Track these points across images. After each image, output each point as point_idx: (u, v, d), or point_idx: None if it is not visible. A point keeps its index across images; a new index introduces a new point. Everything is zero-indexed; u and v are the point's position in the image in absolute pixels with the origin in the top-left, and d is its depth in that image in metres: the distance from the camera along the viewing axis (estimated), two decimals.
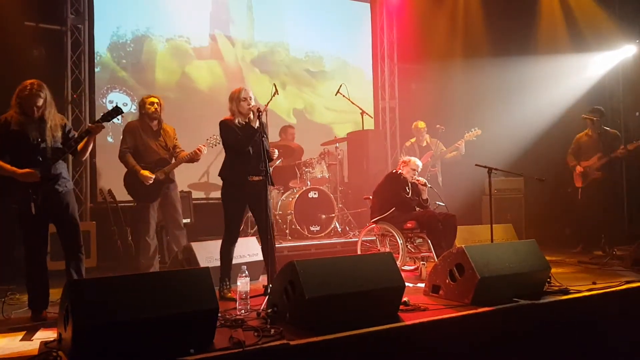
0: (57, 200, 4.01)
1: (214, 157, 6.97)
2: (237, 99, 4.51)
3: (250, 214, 5.12)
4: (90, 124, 4.08)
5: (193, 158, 5.40)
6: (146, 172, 5.29)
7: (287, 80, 8.40)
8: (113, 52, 7.23)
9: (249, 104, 4.47)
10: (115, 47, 7.24)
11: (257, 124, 4.45)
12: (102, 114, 4.10)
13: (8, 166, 3.86)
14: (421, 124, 7.53)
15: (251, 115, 4.48)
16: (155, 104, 5.41)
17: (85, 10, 6.94)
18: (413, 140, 7.61)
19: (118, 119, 7.10)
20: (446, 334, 3.42)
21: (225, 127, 4.52)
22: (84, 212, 6.72)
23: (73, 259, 4.06)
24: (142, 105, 5.46)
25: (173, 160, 5.49)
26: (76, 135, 4.14)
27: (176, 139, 5.59)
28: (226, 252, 4.56)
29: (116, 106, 4.10)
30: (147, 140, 5.40)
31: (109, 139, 7.06)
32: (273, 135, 7.14)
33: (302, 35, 8.64)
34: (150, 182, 5.29)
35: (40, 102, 3.92)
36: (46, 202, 3.94)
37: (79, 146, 4.07)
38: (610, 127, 8.52)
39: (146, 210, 5.40)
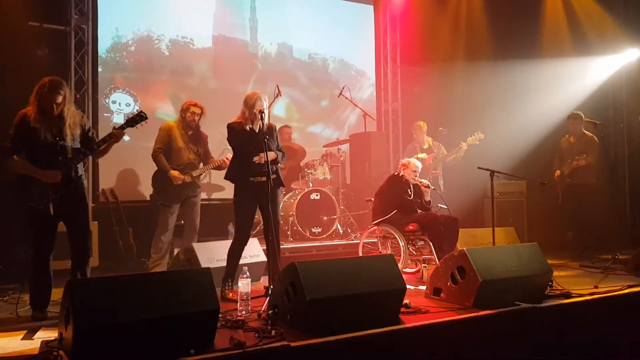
0: (74, 201, 4.03)
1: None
2: (251, 107, 4.49)
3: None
4: (114, 129, 4.09)
5: (221, 166, 5.52)
6: (176, 173, 5.41)
7: (290, 81, 8.40)
8: (116, 53, 7.24)
9: (257, 116, 4.47)
10: (118, 48, 7.24)
11: (259, 126, 4.46)
12: (126, 119, 4.14)
13: (31, 165, 3.88)
14: (422, 124, 7.52)
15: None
16: (197, 115, 5.52)
17: (89, 10, 6.95)
18: (415, 142, 7.60)
19: (121, 119, 7.15)
20: (447, 337, 3.41)
21: (231, 130, 4.57)
22: None
23: (80, 259, 4.08)
24: (183, 110, 5.57)
25: (201, 165, 5.59)
26: (98, 139, 4.13)
27: (207, 144, 5.72)
28: (234, 254, 4.57)
29: (140, 112, 4.16)
30: (180, 143, 5.50)
31: None
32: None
33: (306, 37, 8.64)
34: (179, 182, 5.40)
35: (60, 99, 3.91)
36: (63, 202, 3.95)
37: (100, 148, 4.10)
38: (613, 131, 8.53)
39: (169, 210, 5.50)
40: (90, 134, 4.17)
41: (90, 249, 4.17)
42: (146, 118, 4.20)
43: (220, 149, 6.87)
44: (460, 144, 7.08)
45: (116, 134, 4.07)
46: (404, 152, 8.12)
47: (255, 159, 4.44)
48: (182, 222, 5.79)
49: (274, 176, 4.44)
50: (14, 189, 3.94)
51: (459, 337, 3.44)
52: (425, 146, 7.45)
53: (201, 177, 5.80)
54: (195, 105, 5.57)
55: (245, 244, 4.62)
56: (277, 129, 7.45)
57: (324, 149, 7.70)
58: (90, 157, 6.40)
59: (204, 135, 5.72)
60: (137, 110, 4.18)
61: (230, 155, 5.33)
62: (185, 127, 5.56)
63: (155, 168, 5.58)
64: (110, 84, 7.17)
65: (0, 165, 3.94)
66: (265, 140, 4.40)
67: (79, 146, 4.05)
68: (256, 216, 5.49)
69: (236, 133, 4.53)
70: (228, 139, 4.62)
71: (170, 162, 5.48)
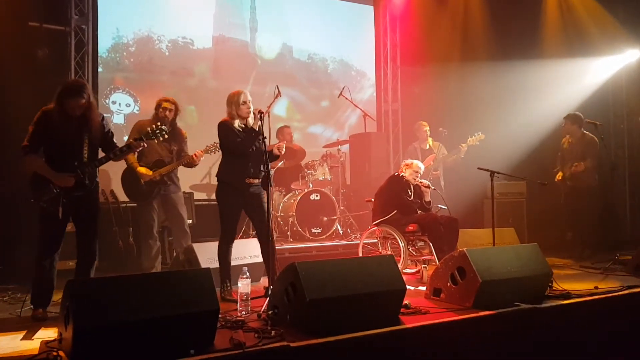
0: (85, 204, 4.03)
1: (216, 159, 6.93)
2: (236, 102, 4.46)
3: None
4: (132, 141, 4.13)
5: (190, 163, 5.35)
6: (143, 169, 5.27)
7: (290, 82, 8.40)
8: (116, 53, 7.24)
9: (248, 107, 4.45)
10: (118, 48, 7.25)
11: (259, 126, 4.45)
12: (145, 133, 4.19)
13: (46, 167, 3.89)
14: (424, 123, 7.50)
15: (251, 118, 4.47)
16: (168, 110, 5.36)
17: (89, 11, 6.96)
18: (416, 143, 7.58)
19: (121, 120, 7.16)
20: (447, 337, 3.41)
21: (226, 128, 4.48)
22: None
23: (86, 260, 4.08)
24: (156, 106, 5.43)
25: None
26: (117, 148, 4.14)
27: (185, 143, 5.56)
28: (223, 254, 4.53)
29: (161, 128, 4.21)
30: (152, 140, 5.35)
31: None
32: (270, 137, 7.16)
33: (306, 38, 8.65)
34: (146, 179, 5.25)
35: (82, 102, 3.91)
36: (74, 205, 3.96)
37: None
38: (613, 132, 8.52)
39: (146, 211, 5.38)
40: (109, 135, 4.18)
41: (96, 253, 4.13)
42: (167, 133, 4.25)
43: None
44: (460, 145, 7.07)
45: (134, 145, 4.09)
46: (404, 152, 8.11)
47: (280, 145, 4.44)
48: (168, 223, 5.65)
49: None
50: (27, 187, 3.95)
51: (458, 337, 3.44)
52: (426, 147, 7.44)
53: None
54: (167, 101, 5.39)
55: (232, 243, 4.57)
56: (278, 129, 7.55)
57: (324, 149, 7.70)
58: None
59: (181, 133, 5.53)
60: (158, 126, 4.24)
61: (201, 150, 5.29)
62: (158, 122, 5.44)
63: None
64: (110, 84, 7.18)
65: (17, 164, 3.96)
66: (264, 140, 4.39)
67: (96, 150, 4.08)
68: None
69: (232, 132, 4.46)
70: (221, 138, 4.52)
71: (141, 159, 5.34)
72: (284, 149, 4.60)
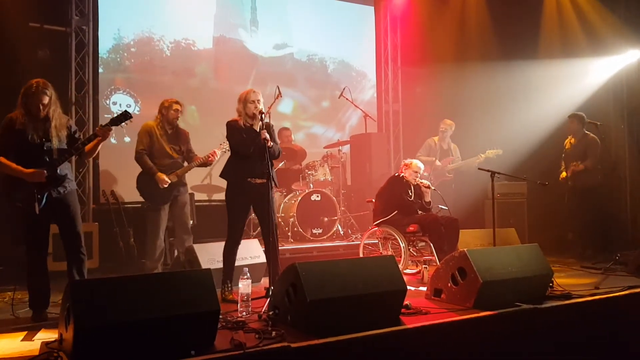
0: (59, 200, 4.00)
1: (216, 160, 6.97)
2: (244, 100, 4.51)
3: (253, 215, 5.13)
4: (98, 128, 4.07)
5: (206, 162, 5.39)
6: (162, 175, 5.28)
7: (291, 82, 8.40)
8: (117, 54, 7.24)
9: (255, 107, 4.47)
10: (119, 49, 7.25)
11: (259, 126, 4.46)
12: (110, 118, 4.09)
13: (15, 166, 3.85)
14: (452, 124, 7.41)
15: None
16: (180, 112, 5.43)
17: (89, 11, 6.97)
18: (436, 138, 7.52)
19: (124, 124, 7.15)
20: (448, 338, 3.41)
21: (231, 128, 4.53)
22: (86, 213, 6.72)
23: (74, 260, 4.05)
24: (164, 107, 5.42)
25: (185, 164, 5.50)
26: (83, 139, 4.10)
27: (189, 142, 5.59)
28: (229, 254, 4.56)
29: (125, 111, 4.10)
30: (162, 142, 5.37)
31: (112, 141, 7.03)
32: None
33: (306, 38, 8.65)
34: (166, 185, 5.27)
35: (46, 100, 3.91)
36: (49, 202, 3.93)
37: (86, 148, 4.05)
38: (614, 132, 8.51)
39: (157, 213, 5.39)
40: (76, 135, 4.15)
41: (82, 246, 4.09)
42: (130, 117, 4.12)
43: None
44: (479, 155, 7.07)
45: (100, 132, 4.02)
46: (418, 147, 7.90)
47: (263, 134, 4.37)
48: (172, 223, 5.64)
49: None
50: (1, 190, 3.93)
51: (459, 338, 3.44)
52: (445, 147, 7.41)
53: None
54: (176, 102, 5.44)
55: (239, 244, 4.60)
56: (278, 131, 7.53)
57: (324, 150, 7.71)
58: (91, 161, 6.40)
59: (184, 133, 5.57)
60: (121, 110, 4.14)
61: (216, 149, 5.32)
62: (165, 125, 5.41)
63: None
64: (111, 85, 7.18)
65: None
66: (267, 142, 4.39)
67: (65, 147, 4.03)
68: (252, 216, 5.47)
69: (236, 131, 4.51)
70: (227, 137, 4.59)
71: (154, 163, 5.33)
72: (267, 135, 4.53)
